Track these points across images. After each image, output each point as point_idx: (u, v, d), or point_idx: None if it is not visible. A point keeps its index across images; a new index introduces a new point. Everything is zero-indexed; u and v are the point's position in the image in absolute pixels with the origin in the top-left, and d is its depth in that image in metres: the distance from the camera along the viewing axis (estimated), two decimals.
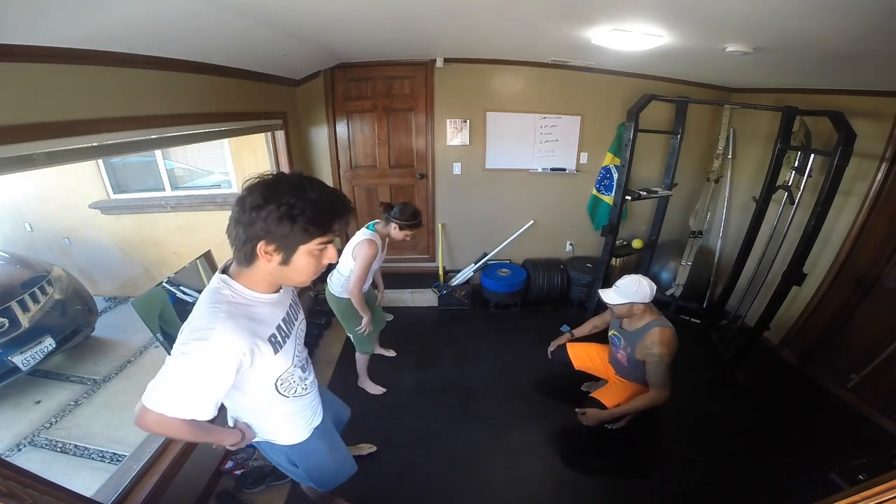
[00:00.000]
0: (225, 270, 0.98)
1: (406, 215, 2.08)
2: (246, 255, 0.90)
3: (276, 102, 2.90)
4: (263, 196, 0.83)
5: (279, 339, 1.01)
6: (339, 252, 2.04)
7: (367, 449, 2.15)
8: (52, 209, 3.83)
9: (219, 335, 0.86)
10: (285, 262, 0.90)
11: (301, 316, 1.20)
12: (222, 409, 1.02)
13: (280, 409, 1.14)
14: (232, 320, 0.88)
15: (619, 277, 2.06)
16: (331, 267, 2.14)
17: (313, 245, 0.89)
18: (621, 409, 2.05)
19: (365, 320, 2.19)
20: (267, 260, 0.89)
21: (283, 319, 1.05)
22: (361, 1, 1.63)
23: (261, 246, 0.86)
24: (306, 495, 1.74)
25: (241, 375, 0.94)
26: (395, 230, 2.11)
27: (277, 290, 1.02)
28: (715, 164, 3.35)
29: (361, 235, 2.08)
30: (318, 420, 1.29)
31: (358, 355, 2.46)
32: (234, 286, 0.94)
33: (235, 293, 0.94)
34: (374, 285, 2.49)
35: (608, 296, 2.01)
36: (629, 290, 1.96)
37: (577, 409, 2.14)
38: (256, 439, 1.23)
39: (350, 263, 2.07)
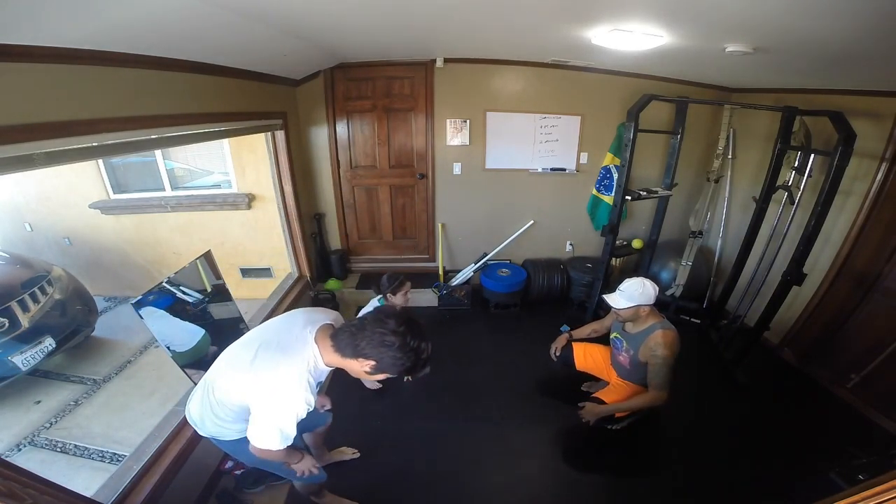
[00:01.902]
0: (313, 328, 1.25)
1: (390, 282, 2.45)
2: (349, 352, 1.17)
3: (276, 102, 2.90)
4: (400, 346, 1.12)
5: (316, 390, 1.26)
6: None
7: (349, 454, 2.10)
8: (52, 209, 3.83)
9: (300, 398, 1.15)
10: (369, 374, 1.19)
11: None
12: None
13: None
14: (308, 385, 1.17)
15: (619, 278, 2.06)
16: None
17: (393, 375, 1.19)
18: (619, 405, 2.06)
19: None
20: (358, 365, 1.17)
21: (322, 381, 1.32)
22: (362, 1, 1.63)
23: (366, 362, 1.15)
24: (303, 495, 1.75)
25: None
26: (392, 298, 2.43)
27: None
28: (715, 164, 3.34)
29: (375, 304, 2.44)
30: None
31: None
32: (318, 358, 1.21)
33: (316, 363, 1.21)
34: None
35: (614, 301, 2.01)
36: (634, 293, 1.96)
37: (579, 404, 2.16)
38: (210, 436, 1.38)
39: None
